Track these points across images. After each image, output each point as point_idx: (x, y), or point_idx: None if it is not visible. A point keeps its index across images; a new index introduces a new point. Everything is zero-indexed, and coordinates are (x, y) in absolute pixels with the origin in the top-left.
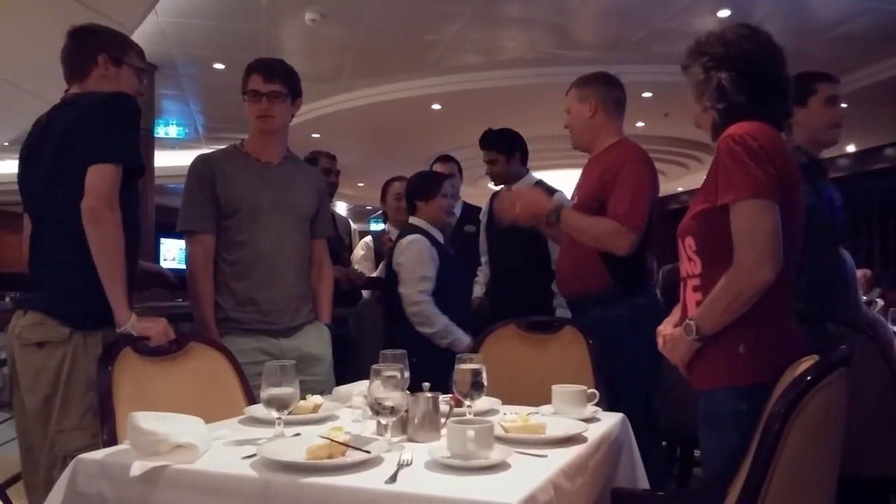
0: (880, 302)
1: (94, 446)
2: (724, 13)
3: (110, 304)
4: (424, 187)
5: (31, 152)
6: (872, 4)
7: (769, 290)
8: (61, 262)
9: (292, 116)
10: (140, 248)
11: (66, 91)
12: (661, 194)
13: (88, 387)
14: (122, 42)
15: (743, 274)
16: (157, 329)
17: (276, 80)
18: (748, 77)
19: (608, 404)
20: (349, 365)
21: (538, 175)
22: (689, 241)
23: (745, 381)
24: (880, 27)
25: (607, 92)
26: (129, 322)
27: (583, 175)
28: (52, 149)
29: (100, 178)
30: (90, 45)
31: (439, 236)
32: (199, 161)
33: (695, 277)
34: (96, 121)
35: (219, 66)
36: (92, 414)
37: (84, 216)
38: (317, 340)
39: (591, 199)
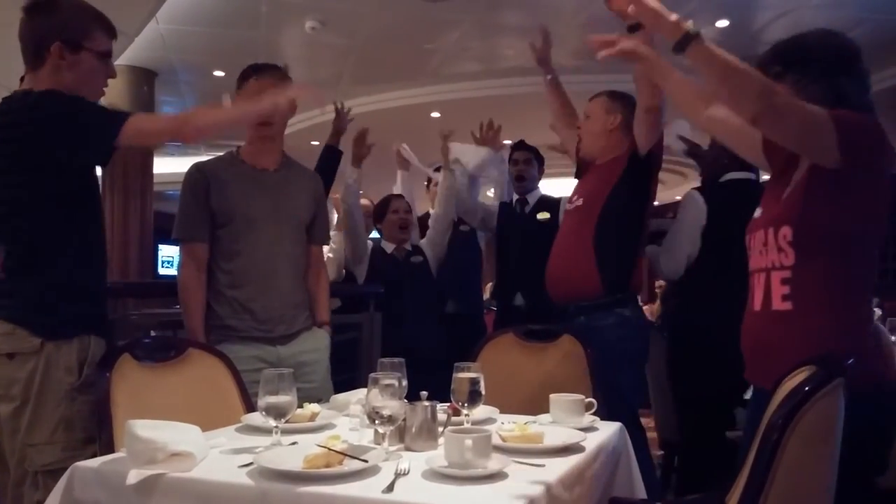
0: (878, 311)
1: (64, 461)
2: (722, 23)
3: None
4: (378, 212)
5: None
6: (868, 15)
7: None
8: (28, 268)
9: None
10: (106, 259)
11: (21, 78)
12: (660, 203)
13: (60, 399)
14: (85, 20)
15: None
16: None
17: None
18: None
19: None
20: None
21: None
22: (786, 230)
23: None
24: (877, 38)
25: (630, 113)
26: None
27: (584, 181)
28: None
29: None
30: (45, 28)
31: (389, 248)
32: (194, 170)
33: (785, 269)
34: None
35: (219, 73)
36: (63, 427)
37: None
38: (314, 347)
39: (604, 195)
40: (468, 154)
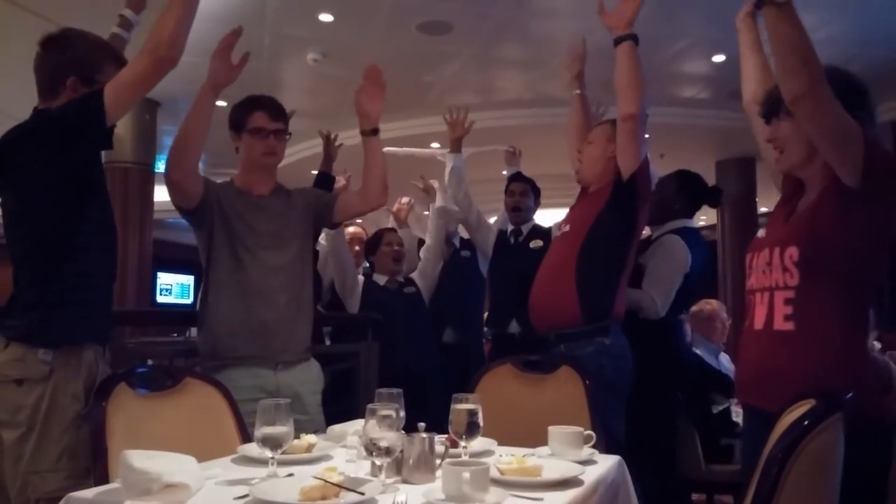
0: (878, 345)
1: (67, 489)
2: (718, 58)
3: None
4: (370, 245)
5: None
6: (861, 51)
7: None
8: (37, 277)
9: None
10: (115, 261)
11: (35, 108)
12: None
13: (66, 427)
14: (97, 54)
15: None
16: None
17: (280, 119)
18: None
19: None
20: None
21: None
22: (792, 251)
23: None
24: (872, 72)
25: None
26: None
27: (574, 208)
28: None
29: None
30: (59, 63)
31: (382, 280)
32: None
33: (788, 290)
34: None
35: (221, 103)
36: (68, 455)
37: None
38: (309, 378)
39: (588, 223)
40: (439, 194)
